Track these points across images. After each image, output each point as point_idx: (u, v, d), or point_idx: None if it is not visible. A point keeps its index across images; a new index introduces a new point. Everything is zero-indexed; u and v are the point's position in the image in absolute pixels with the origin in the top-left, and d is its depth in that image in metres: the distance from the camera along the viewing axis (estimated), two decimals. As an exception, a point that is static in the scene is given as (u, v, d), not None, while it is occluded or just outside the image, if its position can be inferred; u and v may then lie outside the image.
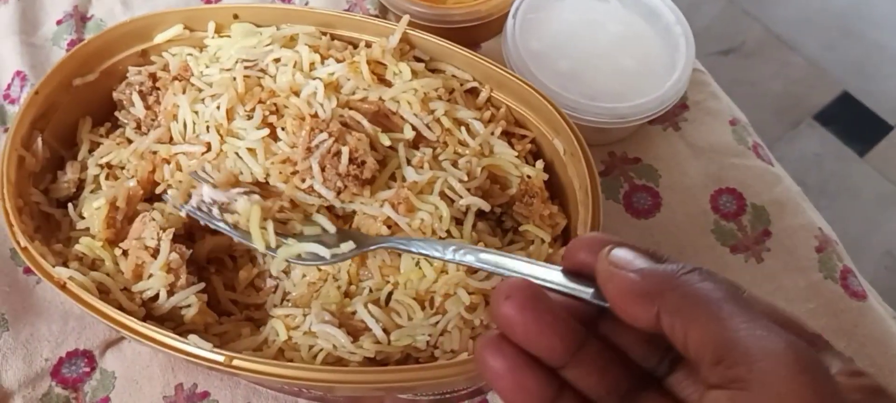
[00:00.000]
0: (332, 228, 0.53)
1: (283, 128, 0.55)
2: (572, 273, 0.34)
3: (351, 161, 0.52)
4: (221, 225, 0.52)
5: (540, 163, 0.57)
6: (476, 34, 0.76)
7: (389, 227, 0.53)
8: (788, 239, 0.68)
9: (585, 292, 0.32)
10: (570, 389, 0.31)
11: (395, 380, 0.47)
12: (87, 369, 0.60)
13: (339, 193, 0.53)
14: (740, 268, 0.67)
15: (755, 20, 1.96)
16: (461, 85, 0.60)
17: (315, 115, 0.55)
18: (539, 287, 0.31)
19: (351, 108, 0.56)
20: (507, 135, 0.59)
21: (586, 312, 0.33)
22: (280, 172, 0.54)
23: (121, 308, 0.50)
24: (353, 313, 0.51)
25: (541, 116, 0.59)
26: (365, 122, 0.55)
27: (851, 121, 1.79)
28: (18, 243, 0.52)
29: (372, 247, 0.52)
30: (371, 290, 0.53)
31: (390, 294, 0.53)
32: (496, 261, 0.40)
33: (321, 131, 0.53)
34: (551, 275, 0.34)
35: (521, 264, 0.37)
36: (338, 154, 0.52)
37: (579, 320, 0.32)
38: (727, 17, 1.98)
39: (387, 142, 0.55)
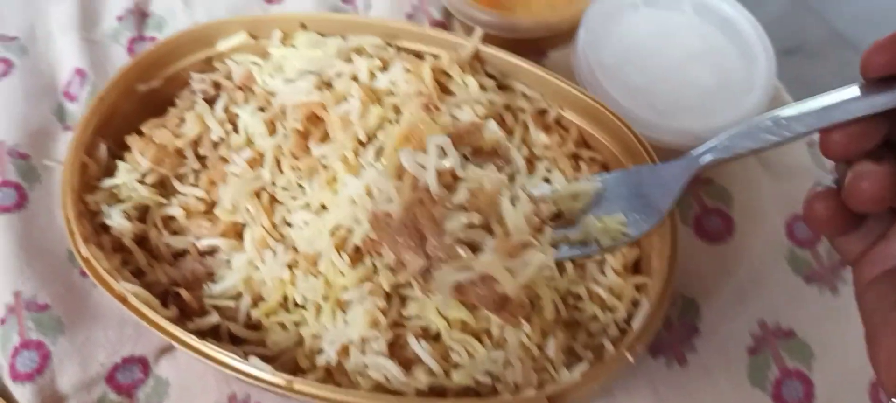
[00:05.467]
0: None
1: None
2: (873, 85, 0.35)
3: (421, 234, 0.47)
4: None
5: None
6: (544, 44, 0.73)
7: None
8: (867, 271, 0.64)
9: None
10: None
11: (459, 415, 0.46)
12: (142, 375, 0.60)
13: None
14: (814, 300, 0.64)
15: (820, 18, 1.89)
16: (531, 104, 0.57)
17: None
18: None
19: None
20: (575, 159, 0.57)
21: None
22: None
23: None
24: (405, 344, 0.50)
25: (614, 138, 0.56)
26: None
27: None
28: (80, 253, 0.51)
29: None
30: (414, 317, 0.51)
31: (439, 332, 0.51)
32: (786, 116, 0.39)
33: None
34: (847, 101, 0.36)
35: (811, 103, 0.38)
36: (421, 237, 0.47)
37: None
38: (791, 14, 1.91)
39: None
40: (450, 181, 0.44)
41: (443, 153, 0.44)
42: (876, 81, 0.35)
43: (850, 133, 0.36)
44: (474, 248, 0.43)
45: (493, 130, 0.46)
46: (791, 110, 0.39)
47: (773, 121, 0.40)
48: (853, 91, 0.36)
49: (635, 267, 0.56)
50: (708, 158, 0.44)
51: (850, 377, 0.61)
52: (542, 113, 0.58)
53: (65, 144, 0.65)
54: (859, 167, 0.36)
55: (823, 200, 0.38)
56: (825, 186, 0.39)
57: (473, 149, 0.50)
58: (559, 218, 0.50)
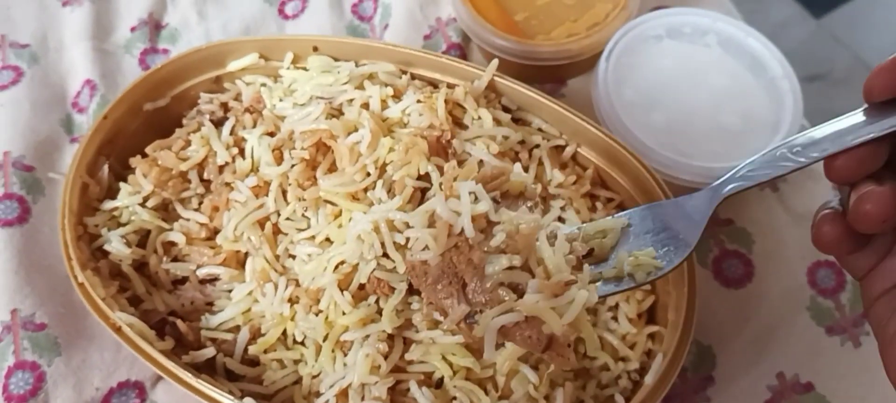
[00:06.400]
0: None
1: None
2: (876, 109, 0.36)
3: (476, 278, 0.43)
4: None
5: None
6: (564, 72, 0.71)
7: None
8: (892, 323, 0.62)
9: None
10: None
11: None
12: (138, 401, 0.58)
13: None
14: (835, 353, 0.61)
15: (845, 47, 1.86)
16: (547, 140, 0.55)
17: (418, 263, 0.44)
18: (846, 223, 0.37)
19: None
20: (591, 198, 0.55)
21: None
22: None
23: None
24: (407, 390, 0.48)
25: (631, 178, 0.54)
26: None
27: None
28: (76, 278, 0.50)
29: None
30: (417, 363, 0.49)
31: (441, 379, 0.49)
32: (802, 143, 0.40)
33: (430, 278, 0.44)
34: (856, 126, 0.37)
35: (823, 129, 0.38)
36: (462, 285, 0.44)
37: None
38: (816, 42, 1.88)
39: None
40: (484, 225, 0.42)
41: (475, 198, 0.43)
42: (879, 105, 0.36)
43: (854, 157, 0.36)
44: (515, 291, 0.41)
45: (518, 173, 0.45)
46: (804, 137, 0.39)
47: (789, 149, 0.40)
48: (858, 116, 0.37)
49: (650, 315, 0.54)
50: (730, 187, 0.44)
51: (871, 435, 0.58)
52: (558, 149, 0.56)
53: (71, 157, 0.63)
54: (863, 189, 0.36)
55: (830, 223, 0.38)
56: (831, 209, 0.39)
57: (501, 193, 0.48)
58: (589, 256, 0.49)
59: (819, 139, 0.38)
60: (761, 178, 0.42)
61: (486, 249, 0.41)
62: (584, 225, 0.48)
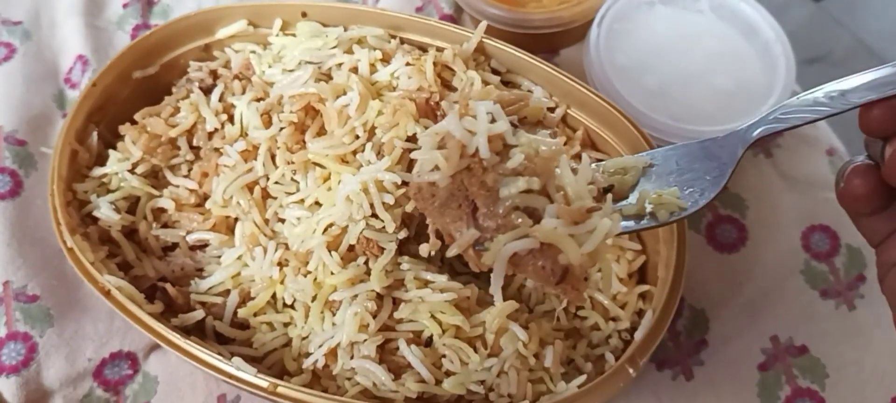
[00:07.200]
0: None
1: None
2: None
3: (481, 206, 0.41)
4: None
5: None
6: (556, 41, 0.71)
7: None
8: (887, 287, 0.61)
9: None
10: None
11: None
12: (130, 371, 0.58)
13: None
14: (829, 316, 0.61)
15: (845, 29, 1.85)
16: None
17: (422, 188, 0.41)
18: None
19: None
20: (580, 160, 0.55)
21: None
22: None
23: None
24: (396, 349, 0.48)
25: (623, 139, 0.54)
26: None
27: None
28: (65, 243, 0.50)
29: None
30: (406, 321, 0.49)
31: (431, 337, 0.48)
32: (840, 89, 0.38)
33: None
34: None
35: (861, 77, 0.37)
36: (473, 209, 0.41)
37: None
38: (816, 23, 1.87)
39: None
40: (500, 148, 0.39)
41: (491, 119, 0.39)
42: None
43: (892, 107, 0.35)
44: (531, 216, 0.38)
45: (537, 98, 0.42)
46: (842, 83, 0.38)
47: (826, 94, 0.39)
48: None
49: (641, 275, 0.53)
50: (761, 129, 0.42)
51: (865, 398, 0.58)
52: (548, 110, 0.56)
53: (63, 131, 0.64)
54: None
55: (863, 175, 0.37)
56: (863, 162, 0.38)
57: (519, 119, 0.45)
58: (608, 192, 0.47)
59: (858, 86, 0.37)
60: (794, 122, 0.41)
61: (501, 171, 0.38)
62: (604, 161, 0.46)
